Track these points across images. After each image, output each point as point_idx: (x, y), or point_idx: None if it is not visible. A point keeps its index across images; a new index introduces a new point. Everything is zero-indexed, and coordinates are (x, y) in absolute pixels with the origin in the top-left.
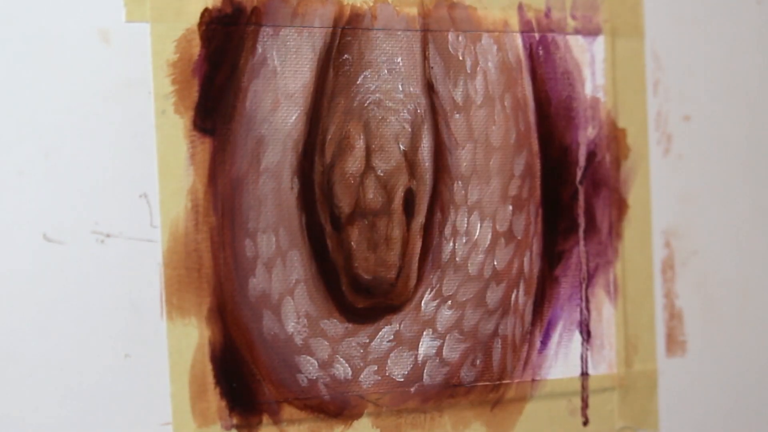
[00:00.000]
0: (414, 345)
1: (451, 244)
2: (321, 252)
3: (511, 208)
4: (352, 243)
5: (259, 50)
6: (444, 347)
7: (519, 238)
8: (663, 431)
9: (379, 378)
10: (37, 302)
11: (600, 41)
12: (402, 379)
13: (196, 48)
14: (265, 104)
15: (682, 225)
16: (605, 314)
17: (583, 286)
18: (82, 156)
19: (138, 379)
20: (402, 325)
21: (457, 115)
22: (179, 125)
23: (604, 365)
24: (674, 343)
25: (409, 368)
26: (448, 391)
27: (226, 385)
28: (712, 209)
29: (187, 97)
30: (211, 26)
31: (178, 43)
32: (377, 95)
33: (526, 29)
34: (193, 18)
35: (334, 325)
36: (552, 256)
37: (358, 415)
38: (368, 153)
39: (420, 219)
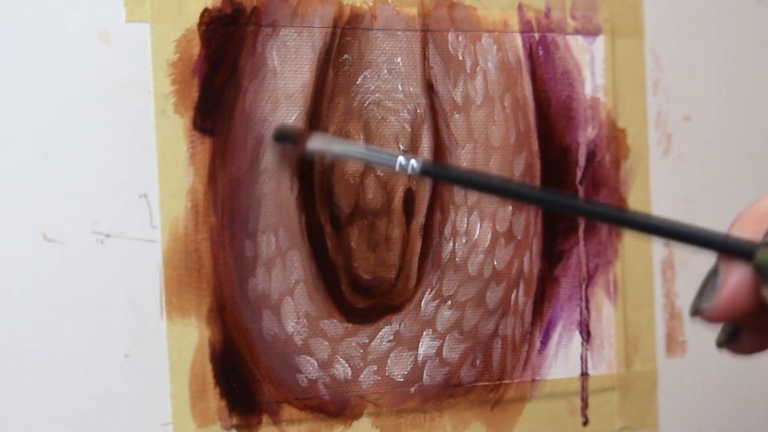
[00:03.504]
0: (414, 345)
1: (451, 244)
2: (321, 252)
3: (511, 208)
4: (352, 243)
5: (259, 50)
6: (444, 347)
7: (519, 238)
8: (663, 431)
9: (379, 378)
10: (37, 302)
11: (600, 41)
12: (402, 379)
13: (196, 48)
14: (265, 104)
15: None
16: (605, 314)
17: (583, 286)
18: (82, 156)
19: (138, 379)
20: (402, 325)
21: (457, 115)
22: (179, 125)
23: (604, 365)
24: (674, 343)
25: (409, 368)
26: (448, 391)
27: (226, 385)
28: (712, 209)
29: (187, 97)
30: (211, 26)
31: (178, 43)
32: (377, 95)
33: (525, 29)
34: (193, 18)
35: (334, 325)
36: (552, 256)
37: (358, 415)
38: None
39: (420, 219)
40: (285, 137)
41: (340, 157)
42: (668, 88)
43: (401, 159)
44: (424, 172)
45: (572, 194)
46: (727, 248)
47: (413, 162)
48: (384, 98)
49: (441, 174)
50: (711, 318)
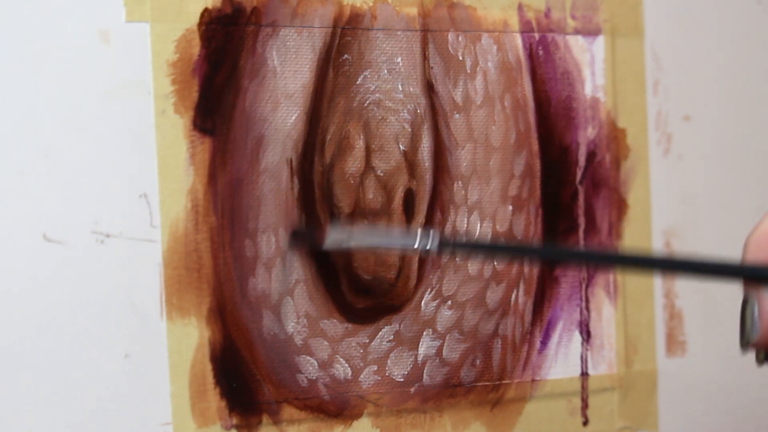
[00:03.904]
0: (414, 345)
1: None
2: (321, 252)
3: (511, 208)
4: None
5: (259, 50)
6: (444, 347)
7: (519, 238)
8: (663, 431)
9: (379, 378)
10: (37, 302)
11: (600, 41)
12: (402, 379)
13: (196, 48)
14: (265, 104)
15: (682, 225)
16: (605, 314)
17: (583, 286)
18: (82, 156)
19: (138, 379)
20: (402, 325)
21: (457, 115)
22: (179, 125)
23: (604, 365)
24: (674, 343)
25: (409, 368)
26: (448, 391)
27: (226, 385)
28: (712, 209)
29: (187, 97)
30: (211, 26)
31: (178, 43)
32: (377, 95)
33: (526, 29)
34: (193, 18)
35: (334, 325)
36: None
37: (358, 415)
38: (368, 153)
39: (420, 219)
40: (302, 239)
41: (358, 245)
42: (668, 88)
43: (419, 237)
44: (442, 244)
45: (601, 250)
46: (752, 276)
47: (432, 234)
48: (384, 98)
49: (459, 246)
50: (763, 347)
